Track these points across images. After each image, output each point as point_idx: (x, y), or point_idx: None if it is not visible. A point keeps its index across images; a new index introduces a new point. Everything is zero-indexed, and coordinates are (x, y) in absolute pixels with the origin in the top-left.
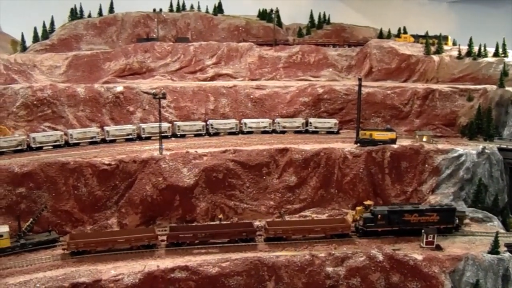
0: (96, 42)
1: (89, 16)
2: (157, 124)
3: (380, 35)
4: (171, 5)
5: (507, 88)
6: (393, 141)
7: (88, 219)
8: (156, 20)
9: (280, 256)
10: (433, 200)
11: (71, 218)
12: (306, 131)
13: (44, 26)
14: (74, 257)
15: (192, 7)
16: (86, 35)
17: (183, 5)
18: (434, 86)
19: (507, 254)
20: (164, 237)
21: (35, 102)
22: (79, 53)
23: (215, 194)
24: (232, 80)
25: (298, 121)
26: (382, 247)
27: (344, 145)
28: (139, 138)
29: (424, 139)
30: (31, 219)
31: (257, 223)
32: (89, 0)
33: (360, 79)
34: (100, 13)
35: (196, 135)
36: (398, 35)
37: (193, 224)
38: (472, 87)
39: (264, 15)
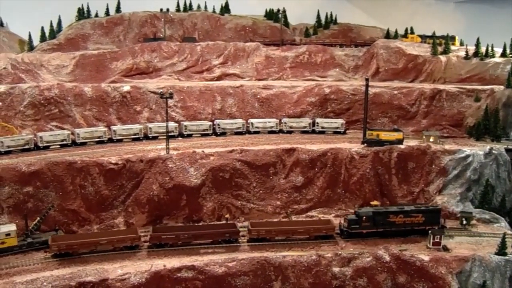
0: (103, 41)
1: (96, 15)
2: (164, 124)
3: (387, 35)
4: (178, 5)
5: None
6: (400, 141)
7: (95, 218)
8: (163, 20)
9: (286, 256)
10: (440, 201)
11: (78, 217)
12: (313, 131)
13: (51, 25)
14: (57, 259)
15: (199, 7)
16: (93, 35)
17: (190, 5)
18: (441, 87)
19: None
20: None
21: (42, 102)
22: (86, 52)
23: (222, 194)
24: (239, 80)
25: (305, 121)
26: (389, 248)
27: (351, 145)
28: (146, 137)
29: (431, 139)
30: (38, 218)
31: (240, 224)
32: (96, 0)
33: (367, 79)
34: (107, 13)
35: (203, 135)
36: (405, 35)
37: (177, 225)
38: (479, 87)
39: (271, 15)
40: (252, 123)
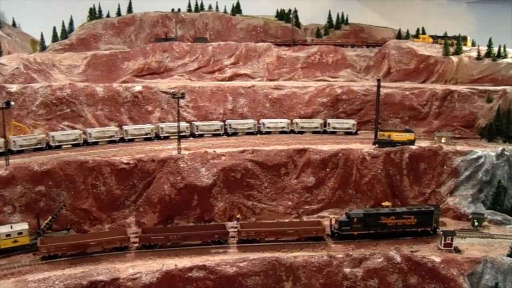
0: (115, 42)
1: (108, 16)
2: (175, 124)
3: (399, 36)
4: (189, 5)
5: None
6: (411, 142)
7: (106, 217)
8: (174, 20)
9: (297, 256)
10: (451, 202)
11: (89, 216)
12: (324, 132)
13: (63, 25)
14: (45, 261)
15: (210, 7)
16: (105, 35)
17: (201, 5)
18: (453, 87)
19: None
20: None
21: (54, 101)
22: (97, 52)
23: (233, 194)
24: (250, 80)
25: (316, 122)
26: (400, 249)
27: (363, 146)
28: (158, 137)
29: (443, 140)
30: (50, 217)
31: (230, 224)
32: (108, 0)
33: (378, 80)
34: (118, 13)
35: (214, 135)
36: (416, 36)
37: (167, 226)
38: (491, 88)
39: (282, 15)
40: (263, 123)
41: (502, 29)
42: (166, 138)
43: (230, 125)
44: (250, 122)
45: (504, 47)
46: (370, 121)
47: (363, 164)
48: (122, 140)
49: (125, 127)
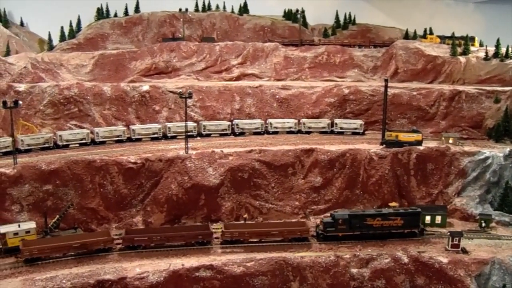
0: (122, 41)
1: (115, 15)
2: (183, 124)
3: (406, 36)
4: (196, 5)
5: None
6: (419, 142)
7: (113, 217)
8: (181, 20)
9: (304, 256)
10: (458, 203)
11: (96, 215)
12: (332, 132)
13: (70, 25)
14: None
15: (217, 7)
16: (112, 35)
17: (209, 5)
18: (461, 88)
19: None
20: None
21: (61, 101)
22: (105, 52)
23: (240, 193)
24: (258, 80)
25: (324, 122)
26: (407, 249)
27: (370, 146)
28: (165, 137)
29: (450, 141)
30: (58, 216)
31: (214, 225)
32: (115, 0)
33: (386, 80)
34: (126, 13)
35: (221, 135)
36: (424, 36)
37: (149, 227)
38: (499, 88)
39: (289, 15)
40: (270, 123)
41: (510, 30)
42: (173, 137)
43: (237, 125)
44: (257, 122)
45: None
46: (377, 121)
47: (371, 164)
48: (129, 139)
49: (132, 127)
